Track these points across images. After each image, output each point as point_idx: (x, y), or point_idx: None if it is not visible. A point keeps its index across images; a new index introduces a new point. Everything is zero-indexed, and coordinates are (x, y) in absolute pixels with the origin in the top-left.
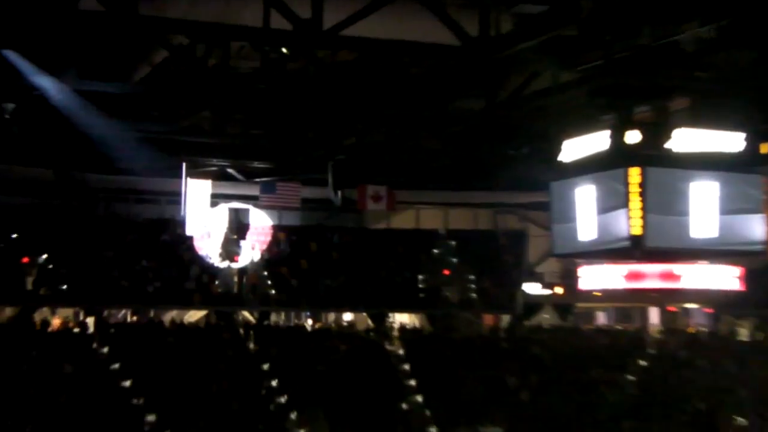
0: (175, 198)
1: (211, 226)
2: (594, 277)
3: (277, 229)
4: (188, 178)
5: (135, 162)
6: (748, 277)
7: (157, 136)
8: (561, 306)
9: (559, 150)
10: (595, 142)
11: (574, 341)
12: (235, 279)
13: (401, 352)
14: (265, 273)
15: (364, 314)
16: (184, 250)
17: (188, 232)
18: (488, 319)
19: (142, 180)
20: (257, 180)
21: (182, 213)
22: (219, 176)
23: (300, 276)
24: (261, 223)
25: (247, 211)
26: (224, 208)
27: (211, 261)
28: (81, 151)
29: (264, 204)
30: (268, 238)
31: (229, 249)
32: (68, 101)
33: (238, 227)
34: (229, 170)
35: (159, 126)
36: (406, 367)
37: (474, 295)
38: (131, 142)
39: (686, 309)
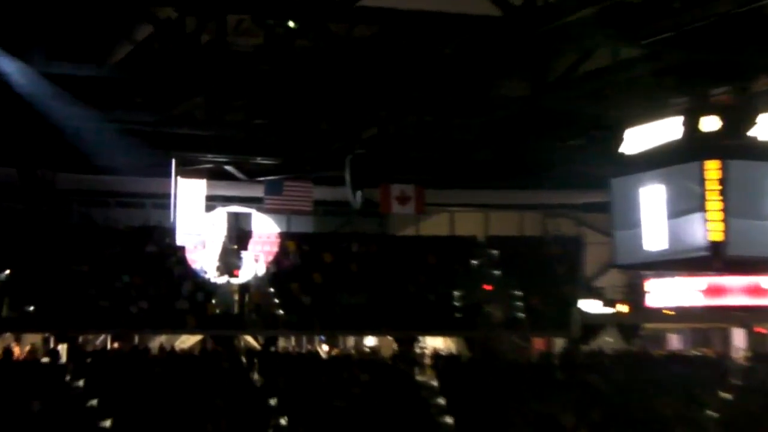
0: (162, 201)
1: (207, 234)
2: (665, 293)
3: (285, 237)
4: (178, 178)
5: (115, 159)
6: None
7: (141, 128)
8: (625, 327)
9: (620, 140)
10: (664, 130)
11: (641, 370)
12: (236, 297)
13: (434, 383)
14: (272, 290)
15: (390, 338)
16: (174, 263)
17: (179, 241)
18: (538, 343)
19: (123, 180)
20: (261, 179)
21: (171, 219)
22: (215, 175)
23: (313, 293)
24: (266, 230)
25: (249, 215)
26: (222, 213)
27: (207, 276)
28: (50, 147)
29: (269, 207)
30: (275, 248)
31: (228, 261)
32: (34, 87)
33: (239, 235)
34: (228, 168)
35: (143, 115)
36: (441, 401)
37: (521, 314)
38: (110, 135)
39: None
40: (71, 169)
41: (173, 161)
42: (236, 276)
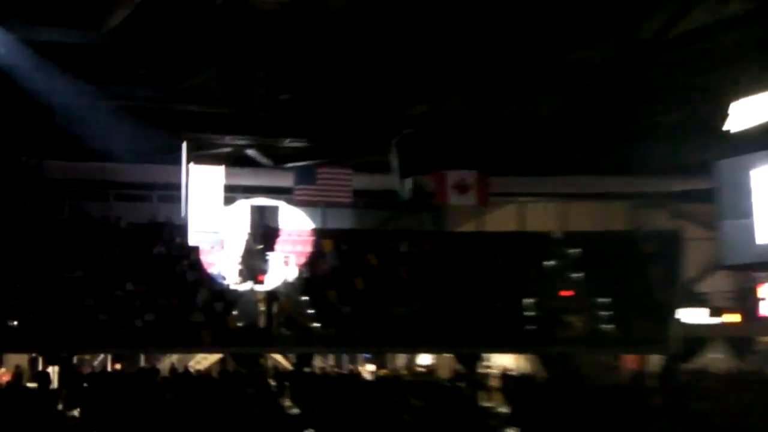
0: (171, 193)
1: (225, 232)
2: None
3: (319, 234)
4: (191, 164)
5: (114, 142)
6: None
7: (144, 105)
8: (736, 341)
9: (725, 115)
10: None
11: (757, 393)
12: (261, 307)
13: (503, 410)
14: (305, 298)
15: (448, 356)
16: (186, 267)
17: (192, 241)
18: (630, 361)
19: (124, 168)
20: (290, 165)
21: (183, 214)
22: (235, 160)
23: (354, 301)
24: (296, 226)
25: (276, 209)
26: (243, 207)
27: (226, 282)
28: (36, 128)
29: (300, 199)
30: (308, 248)
31: (252, 264)
32: (15, 57)
33: (264, 233)
34: (249, 152)
35: (147, 90)
36: (511, 431)
37: (607, 326)
38: (107, 115)
39: None
40: (61, 156)
41: (184, 145)
42: (261, 282)
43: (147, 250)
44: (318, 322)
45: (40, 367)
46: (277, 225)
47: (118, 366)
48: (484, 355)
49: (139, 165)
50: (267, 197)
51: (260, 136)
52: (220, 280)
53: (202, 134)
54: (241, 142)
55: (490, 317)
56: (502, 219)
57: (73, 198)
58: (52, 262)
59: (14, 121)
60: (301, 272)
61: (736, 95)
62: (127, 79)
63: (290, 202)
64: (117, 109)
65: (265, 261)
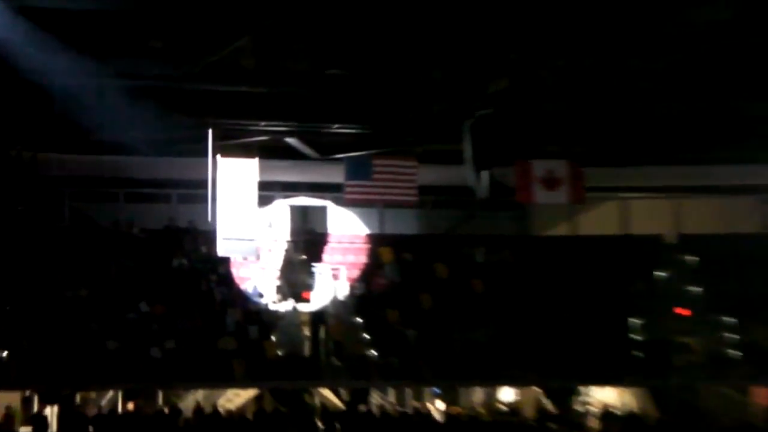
0: (195, 192)
1: (261, 239)
2: None
3: (377, 241)
4: (218, 157)
5: (124, 131)
6: None
7: (161, 85)
8: None
9: None
10: None
11: None
12: (306, 332)
13: None
14: (359, 320)
15: (536, 390)
16: (213, 282)
17: (221, 251)
18: (761, 395)
19: (136, 162)
20: (339, 156)
21: (209, 218)
22: (271, 151)
23: (420, 324)
24: (348, 231)
25: (322, 210)
26: (283, 208)
27: (263, 301)
28: (30, 115)
29: (353, 197)
30: (362, 259)
31: (294, 279)
32: (6, 29)
33: (309, 240)
34: (289, 140)
35: (163, 67)
36: None
37: (734, 351)
38: (116, 98)
39: None
40: (60, 148)
41: (209, 133)
42: (306, 300)
43: (165, 263)
44: (375, 349)
45: (36, 408)
46: (325, 230)
47: (130, 405)
48: (580, 390)
49: (155, 158)
50: (311, 196)
51: (302, 120)
52: (255, 299)
53: (230, 120)
54: (279, 128)
55: (587, 342)
56: (600, 220)
57: (75, 199)
58: (50, 279)
59: (4, 106)
60: (354, 288)
61: None
62: (140, 53)
63: (340, 201)
64: (128, 91)
65: (310, 274)
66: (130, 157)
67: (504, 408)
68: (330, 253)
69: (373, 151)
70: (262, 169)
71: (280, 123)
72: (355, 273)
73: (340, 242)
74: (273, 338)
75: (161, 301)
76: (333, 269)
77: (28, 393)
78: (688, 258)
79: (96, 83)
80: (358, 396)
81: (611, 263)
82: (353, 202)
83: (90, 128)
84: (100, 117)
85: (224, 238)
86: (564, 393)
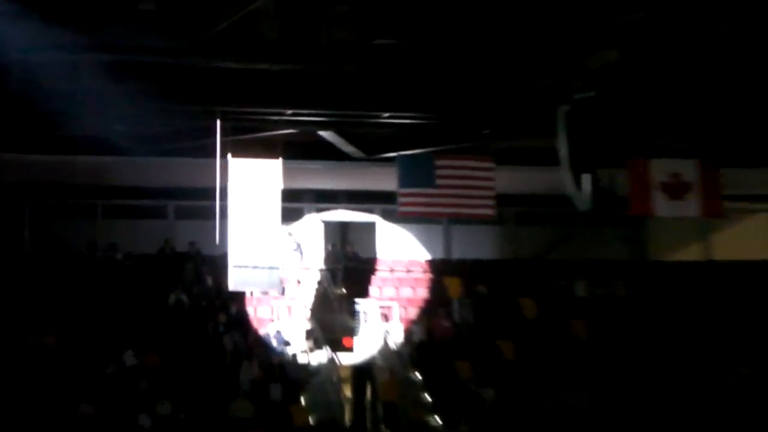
0: (197, 204)
1: (287, 267)
2: None
3: (441, 268)
4: (229, 156)
5: (103, 122)
6: None
7: (155, 61)
8: None
9: None
10: None
11: None
12: (347, 392)
13: None
14: (418, 376)
15: None
16: (223, 325)
17: (232, 283)
18: None
19: (119, 164)
20: (389, 155)
21: (217, 239)
22: (300, 149)
23: (501, 381)
24: (402, 256)
25: (369, 228)
26: (316, 224)
27: (289, 350)
28: None
29: (409, 210)
30: (421, 293)
31: (331, 321)
32: None
33: (350, 269)
34: (324, 134)
35: (156, 39)
36: None
37: None
38: (94, 78)
39: None
40: (19, 146)
41: (218, 124)
42: (348, 349)
43: (159, 299)
44: (440, 415)
45: None
46: (371, 254)
47: None
48: None
49: (145, 159)
50: (353, 209)
51: (342, 108)
52: (278, 347)
53: (246, 107)
54: (310, 118)
55: (729, 398)
56: (743, 239)
57: (38, 214)
58: (6, 321)
59: None
60: (410, 332)
61: None
62: (126, 19)
63: (392, 215)
64: (109, 69)
65: (353, 314)
66: (112, 158)
67: None
68: (379, 286)
69: (436, 149)
70: (288, 173)
71: (312, 111)
72: (413, 312)
73: (392, 271)
74: (302, 401)
75: (153, 350)
76: (383, 307)
77: None
78: None
79: (67, 59)
80: None
81: (758, 296)
82: (410, 216)
83: (58, 119)
84: (72, 104)
85: (237, 266)
86: None
